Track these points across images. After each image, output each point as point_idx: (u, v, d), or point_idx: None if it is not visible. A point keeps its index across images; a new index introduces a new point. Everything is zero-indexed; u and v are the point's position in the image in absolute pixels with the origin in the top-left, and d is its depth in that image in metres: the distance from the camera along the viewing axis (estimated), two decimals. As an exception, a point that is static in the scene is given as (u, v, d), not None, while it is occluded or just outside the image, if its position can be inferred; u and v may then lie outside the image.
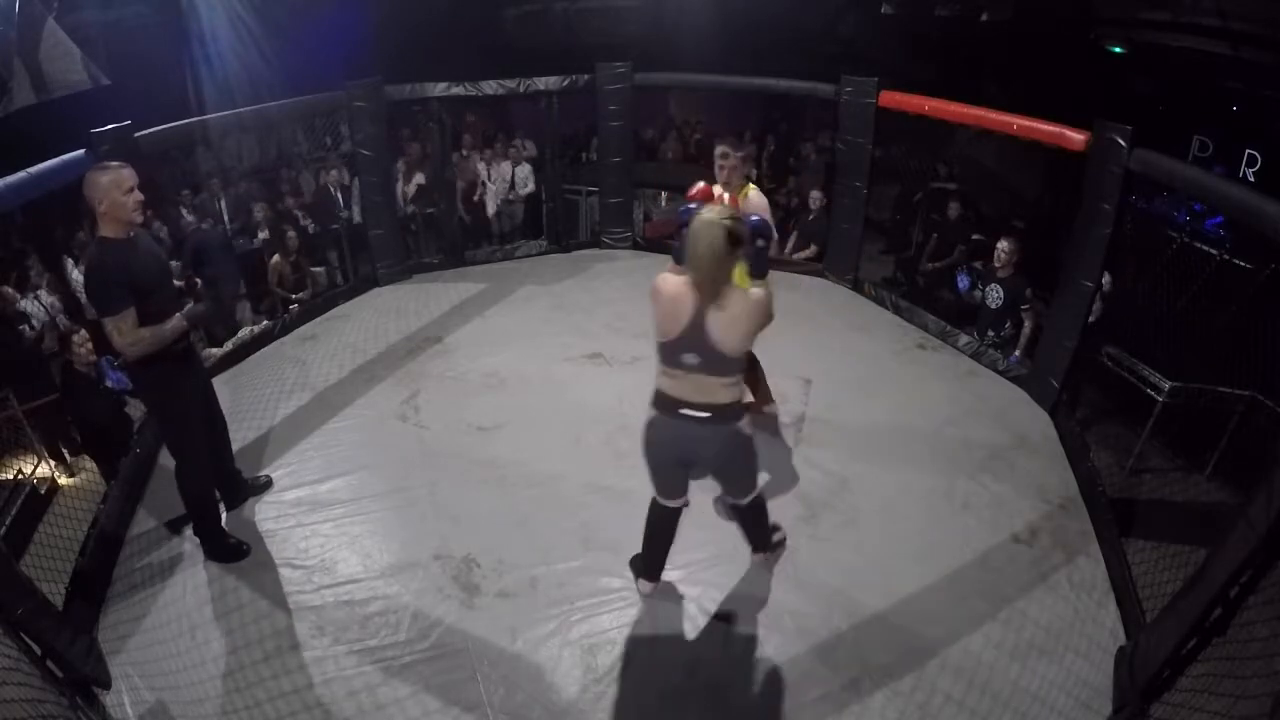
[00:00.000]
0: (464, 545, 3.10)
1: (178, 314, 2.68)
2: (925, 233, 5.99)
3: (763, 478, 2.51)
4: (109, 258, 2.52)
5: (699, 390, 2.26)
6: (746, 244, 2.19)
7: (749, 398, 2.81)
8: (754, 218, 2.32)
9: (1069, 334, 3.97)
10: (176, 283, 2.85)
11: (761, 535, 2.90)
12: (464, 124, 6.88)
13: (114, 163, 2.61)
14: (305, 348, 4.85)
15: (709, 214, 2.10)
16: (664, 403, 2.34)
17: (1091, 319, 4.01)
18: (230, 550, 3.06)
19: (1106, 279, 4.02)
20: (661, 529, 2.70)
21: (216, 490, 3.16)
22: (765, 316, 2.23)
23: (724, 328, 2.14)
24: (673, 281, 2.19)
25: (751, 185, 3.44)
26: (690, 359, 2.21)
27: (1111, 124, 3.60)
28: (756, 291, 2.21)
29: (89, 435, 3.88)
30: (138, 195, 2.56)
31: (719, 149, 3.34)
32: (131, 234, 2.61)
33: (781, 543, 3.06)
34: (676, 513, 2.66)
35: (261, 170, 6.93)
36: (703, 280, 2.11)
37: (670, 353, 2.24)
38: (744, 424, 2.36)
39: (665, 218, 6.98)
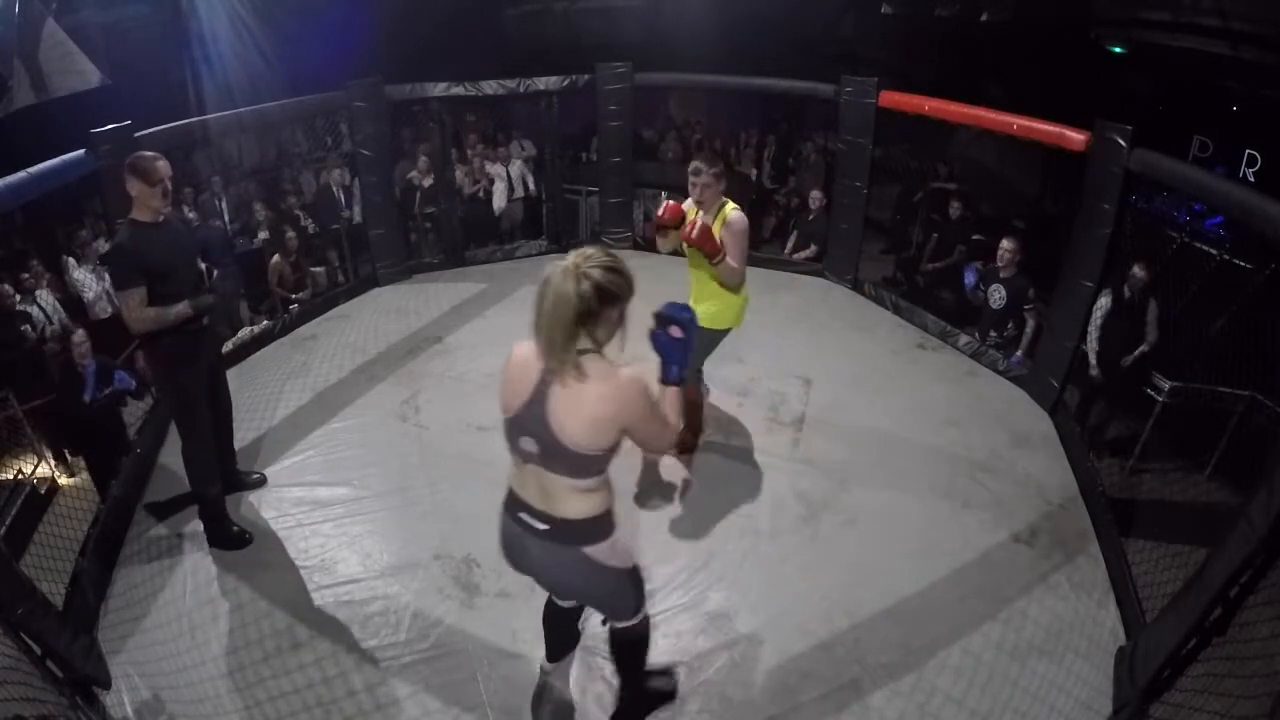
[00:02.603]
0: (464, 545, 3.10)
1: (186, 300, 2.79)
2: (925, 233, 5.99)
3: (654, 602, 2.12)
4: (130, 240, 2.71)
5: (540, 491, 1.76)
6: (658, 329, 1.80)
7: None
8: (676, 306, 1.83)
9: (1069, 334, 3.97)
10: (202, 265, 2.99)
11: (630, 675, 2.29)
12: (464, 124, 6.87)
13: (150, 153, 2.76)
14: (305, 348, 4.85)
15: (576, 258, 1.62)
16: (507, 498, 1.87)
17: (1145, 348, 3.87)
18: (232, 538, 3.11)
19: (1154, 310, 3.84)
20: (548, 615, 2.32)
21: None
22: (639, 409, 1.66)
23: (565, 410, 1.64)
24: (529, 345, 1.71)
25: (730, 205, 3.14)
26: (528, 444, 1.71)
27: (1111, 124, 3.60)
28: (626, 372, 1.65)
29: (75, 434, 3.86)
30: (166, 187, 2.74)
31: (691, 164, 3.10)
32: (160, 219, 2.79)
33: (659, 699, 2.41)
34: (561, 610, 2.27)
35: (261, 170, 6.93)
36: (544, 344, 1.63)
37: (510, 433, 1.75)
38: (600, 549, 1.81)
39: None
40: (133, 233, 2.72)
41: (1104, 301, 3.90)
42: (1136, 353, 3.90)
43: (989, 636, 2.70)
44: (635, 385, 1.66)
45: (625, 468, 3.52)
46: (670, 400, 1.83)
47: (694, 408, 3.58)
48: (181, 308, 2.78)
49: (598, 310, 1.62)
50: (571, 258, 1.63)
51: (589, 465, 1.71)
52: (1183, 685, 2.26)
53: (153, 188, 2.70)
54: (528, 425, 1.70)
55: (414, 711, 2.42)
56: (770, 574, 2.97)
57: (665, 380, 1.83)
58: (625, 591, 1.96)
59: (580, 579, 1.87)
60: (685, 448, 3.64)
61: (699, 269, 3.24)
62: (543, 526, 1.78)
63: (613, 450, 1.73)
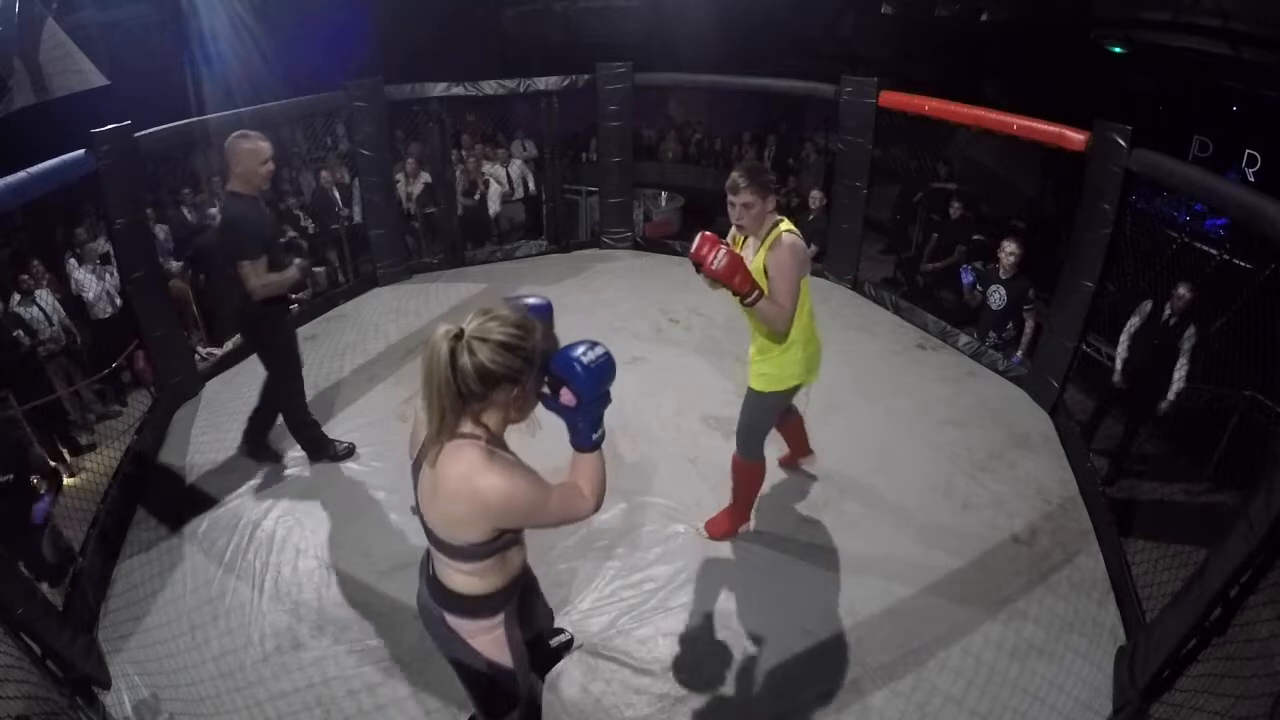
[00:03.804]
0: (464, 545, 3.10)
1: (296, 264, 3.08)
2: (925, 233, 5.99)
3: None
4: (247, 211, 2.94)
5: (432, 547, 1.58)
6: (547, 392, 1.45)
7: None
8: (566, 359, 1.41)
9: (1069, 334, 3.97)
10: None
11: None
12: (463, 124, 6.87)
13: (255, 133, 2.96)
14: (305, 348, 4.80)
15: (472, 320, 1.36)
16: None
17: (1180, 385, 3.56)
18: (333, 452, 3.59)
19: (1191, 338, 3.54)
20: None
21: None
22: (511, 514, 1.41)
23: (428, 495, 1.44)
24: None
25: (784, 226, 2.53)
26: (414, 505, 1.53)
27: (1111, 124, 3.60)
28: (494, 475, 1.35)
29: None
30: (270, 167, 2.97)
31: (728, 179, 2.47)
32: (256, 195, 3.01)
33: None
34: None
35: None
36: (427, 414, 1.38)
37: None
38: (466, 625, 1.59)
39: (664, 217, 7.00)
40: (245, 204, 2.95)
41: (1134, 322, 3.78)
42: (1172, 395, 3.59)
43: (989, 636, 2.70)
44: (495, 495, 1.35)
45: (624, 467, 3.52)
46: (586, 470, 1.51)
47: (748, 485, 3.04)
48: (293, 271, 3.06)
49: (480, 393, 1.35)
50: (470, 320, 1.36)
51: (461, 553, 1.47)
52: (1183, 685, 2.26)
53: (261, 167, 2.92)
54: (415, 486, 1.48)
55: (414, 711, 2.42)
56: (770, 574, 2.97)
57: (578, 447, 1.50)
58: (482, 683, 1.65)
59: (442, 636, 1.65)
60: (723, 530, 3.12)
61: (751, 315, 2.59)
62: (430, 572, 1.63)
63: (494, 540, 1.45)
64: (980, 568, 3.03)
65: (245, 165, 2.91)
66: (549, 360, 1.41)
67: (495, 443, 1.42)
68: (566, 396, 1.42)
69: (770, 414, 2.88)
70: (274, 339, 3.28)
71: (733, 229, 2.63)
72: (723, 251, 2.36)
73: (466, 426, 1.39)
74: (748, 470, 2.98)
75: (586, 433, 1.48)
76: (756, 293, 2.42)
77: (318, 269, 5.84)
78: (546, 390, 1.45)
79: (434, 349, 1.32)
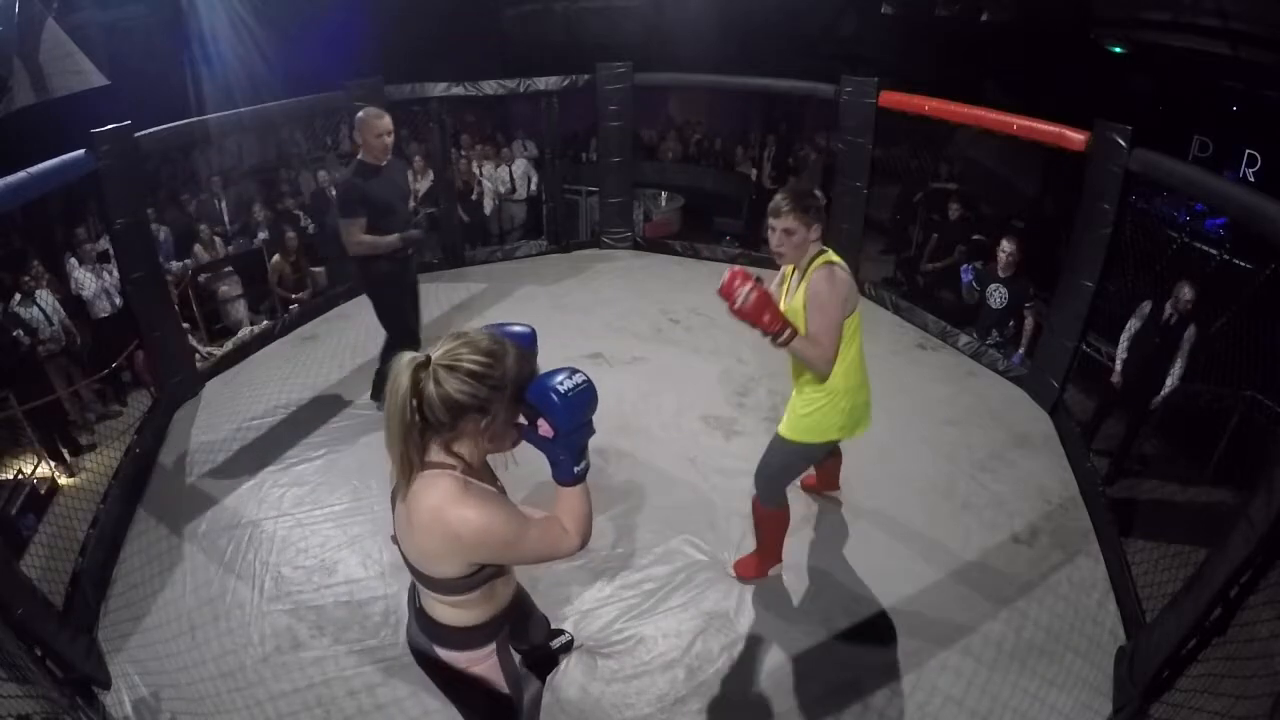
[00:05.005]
0: (464, 545, 3.10)
1: (397, 234, 3.37)
2: (925, 233, 5.99)
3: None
4: (356, 176, 3.31)
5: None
6: (525, 422, 1.38)
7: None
8: (541, 389, 1.32)
9: (1069, 334, 3.97)
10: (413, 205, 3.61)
11: None
12: (463, 124, 6.87)
13: (376, 109, 3.32)
14: (305, 348, 4.85)
15: (442, 347, 1.30)
16: None
17: (1174, 382, 3.54)
18: None
19: (1191, 337, 3.51)
20: None
21: None
22: (486, 549, 1.34)
23: (403, 527, 1.38)
24: None
25: (826, 257, 2.29)
26: (393, 535, 1.47)
27: (1111, 124, 3.59)
28: (470, 508, 1.29)
29: None
30: (384, 141, 3.29)
31: (773, 201, 2.26)
32: (383, 164, 3.34)
33: None
34: None
35: (261, 170, 6.93)
36: (390, 447, 1.32)
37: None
38: (454, 656, 1.54)
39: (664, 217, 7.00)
40: (360, 171, 3.30)
41: (1134, 323, 3.78)
42: (1164, 392, 3.60)
43: (989, 636, 2.70)
44: (467, 529, 1.29)
45: (623, 467, 3.52)
46: (569, 505, 1.41)
47: (772, 530, 2.83)
48: (392, 239, 3.35)
49: (447, 423, 1.29)
50: (439, 346, 1.30)
51: (441, 586, 1.41)
52: (1183, 685, 2.26)
53: (375, 139, 3.24)
54: (393, 511, 1.42)
55: (414, 711, 2.42)
56: (769, 574, 2.97)
57: (559, 481, 1.41)
58: (479, 711, 1.64)
59: (433, 669, 1.59)
60: (752, 573, 2.93)
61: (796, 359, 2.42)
62: (417, 604, 1.57)
63: (474, 574, 1.39)
64: (980, 568, 3.03)
65: (364, 137, 3.26)
66: (524, 389, 1.33)
67: (472, 472, 1.37)
68: (544, 428, 1.34)
69: (798, 465, 2.72)
70: (376, 292, 3.62)
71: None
72: (749, 288, 2.16)
73: (438, 456, 1.33)
74: (768, 517, 2.78)
75: (568, 466, 1.38)
76: (788, 331, 2.21)
77: (316, 268, 5.85)
78: (524, 421, 1.37)
79: (396, 379, 1.26)
